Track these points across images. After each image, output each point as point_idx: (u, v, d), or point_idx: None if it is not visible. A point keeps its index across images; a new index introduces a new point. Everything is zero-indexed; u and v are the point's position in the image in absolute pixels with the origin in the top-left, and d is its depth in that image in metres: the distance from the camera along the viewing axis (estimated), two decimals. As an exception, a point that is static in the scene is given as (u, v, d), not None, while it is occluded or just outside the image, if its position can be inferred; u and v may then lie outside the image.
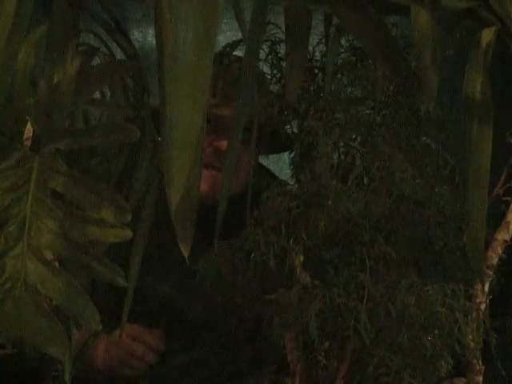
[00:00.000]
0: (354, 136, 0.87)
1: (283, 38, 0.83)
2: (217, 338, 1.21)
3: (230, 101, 1.11)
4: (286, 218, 0.84)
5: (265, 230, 0.84)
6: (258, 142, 0.78)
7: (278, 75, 0.94)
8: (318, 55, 0.93)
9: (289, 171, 0.95)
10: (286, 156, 0.98)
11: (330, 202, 0.81)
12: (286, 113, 0.93)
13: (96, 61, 0.78)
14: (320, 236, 0.82)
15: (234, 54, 1.00)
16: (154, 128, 0.83)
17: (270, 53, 0.93)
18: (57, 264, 0.70)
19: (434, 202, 0.85)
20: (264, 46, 0.92)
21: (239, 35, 0.87)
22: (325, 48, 0.91)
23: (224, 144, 1.17)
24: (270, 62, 0.94)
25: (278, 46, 0.93)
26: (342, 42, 0.91)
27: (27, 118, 0.71)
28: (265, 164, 1.37)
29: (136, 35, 2.16)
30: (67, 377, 0.72)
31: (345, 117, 0.86)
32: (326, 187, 0.82)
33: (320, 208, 0.82)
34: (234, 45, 0.98)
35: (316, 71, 0.93)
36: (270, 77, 0.95)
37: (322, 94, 0.91)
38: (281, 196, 0.85)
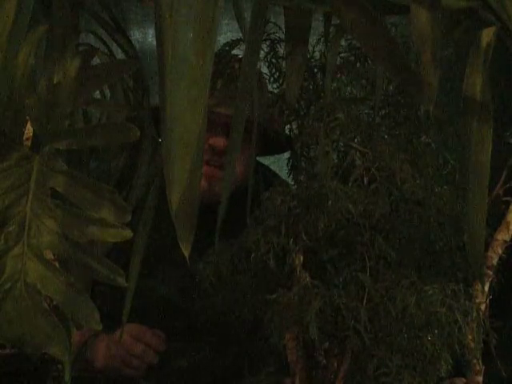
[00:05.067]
0: (353, 136, 0.87)
1: (283, 37, 0.83)
2: (217, 338, 1.21)
3: (227, 99, 1.11)
4: (286, 218, 0.84)
5: (265, 229, 0.84)
6: (256, 140, 0.78)
7: (277, 75, 0.94)
8: (317, 55, 0.93)
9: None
10: (286, 156, 0.98)
11: (330, 202, 0.81)
12: (286, 113, 0.94)
13: (96, 61, 0.78)
14: (320, 236, 0.82)
15: (232, 53, 1.00)
16: (153, 128, 0.83)
17: (269, 52, 0.94)
18: (57, 264, 0.69)
19: (434, 202, 0.85)
20: (263, 46, 0.92)
21: (239, 36, 0.87)
22: (324, 48, 0.91)
23: (219, 141, 1.17)
24: (269, 61, 0.94)
25: (277, 45, 0.93)
26: (342, 42, 0.90)
27: (27, 117, 0.71)
28: (265, 164, 1.37)
29: (136, 36, 2.16)
30: (67, 377, 0.72)
31: (345, 117, 0.86)
32: (326, 187, 0.82)
33: (320, 208, 0.82)
34: (232, 44, 0.98)
35: (316, 71, 0.93)
36: (268, 76, 0.95)
37: (322, 94, 0.91)
38: (281, 196, 0.85)
